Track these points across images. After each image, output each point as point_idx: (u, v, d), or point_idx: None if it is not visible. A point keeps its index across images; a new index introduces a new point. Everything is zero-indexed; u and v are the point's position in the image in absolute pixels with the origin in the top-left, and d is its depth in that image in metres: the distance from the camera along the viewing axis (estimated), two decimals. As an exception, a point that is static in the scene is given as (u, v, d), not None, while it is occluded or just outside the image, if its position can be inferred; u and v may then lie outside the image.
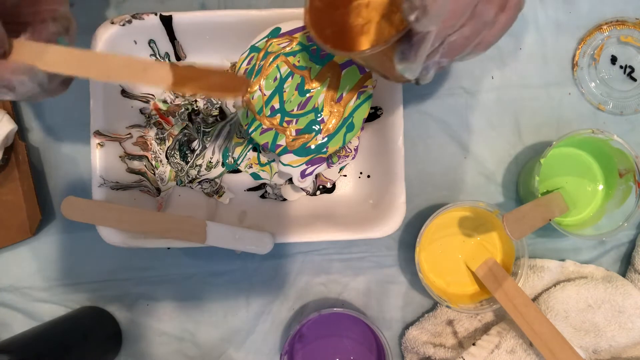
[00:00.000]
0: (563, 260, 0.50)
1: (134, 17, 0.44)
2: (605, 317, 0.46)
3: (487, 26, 0.32)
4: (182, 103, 0.49)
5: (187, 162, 0.50)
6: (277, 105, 0.43)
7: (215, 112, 0.50)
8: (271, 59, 0.43)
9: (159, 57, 0.48)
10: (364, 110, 0.44)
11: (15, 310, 0.51)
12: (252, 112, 0.44)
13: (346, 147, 0.50)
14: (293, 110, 0.43)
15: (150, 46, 0.47)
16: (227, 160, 0.50)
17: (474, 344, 0.46)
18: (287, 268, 0.51)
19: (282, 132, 0.43)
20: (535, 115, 0.52)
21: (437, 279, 0.49)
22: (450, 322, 0.49)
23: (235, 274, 0.51)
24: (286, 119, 0.43)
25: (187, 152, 0.50)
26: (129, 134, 0.48)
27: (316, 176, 0.50)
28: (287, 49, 0.43)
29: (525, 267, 0.46)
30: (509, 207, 0.52)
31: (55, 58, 0.31)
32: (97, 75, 0.32)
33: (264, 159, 0.49)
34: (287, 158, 0.44)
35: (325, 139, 0.43)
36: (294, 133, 0.43)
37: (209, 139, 0.50)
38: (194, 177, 0.50)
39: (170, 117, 0.50)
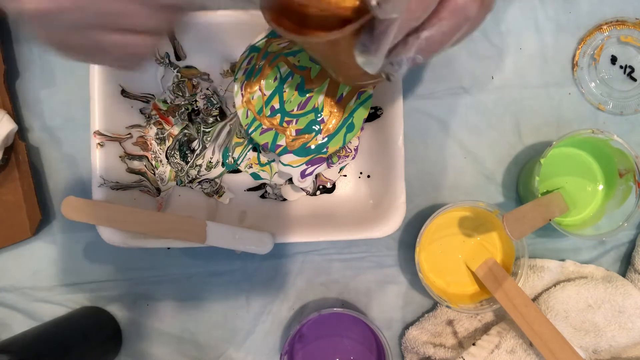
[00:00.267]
0: (563, 260, 0.50)
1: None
2: (605, 317, 0.46)
3: (468, 22, 0.29)
4: (182, 103, 0.49)
5: (187, 162, 0.50)
6: (277, 105, 0.43)
7: (215, 112, 0.50)
8: (271, 59, 0.43)
9: (158, 57, 0.48)
10: (364, 110, 0.44)
11: (15, 310, 0.51)
12: (252, 112, 0.44)
13: (346, 147, 0.50)
14: (293, 110, 0.43)
15: (150, 46, 0.47)
16: (227, 160, 0.50)
17: (474, 344, 0.46)
18: (287, 268, 0.51)
19: (282, 132, 0.43)
20: (535, 115, 0.52)
21: (437, 279, 0.49)
22: (450, 322, 0.49)
23: (235, 274, 0.51)
24: (286, 119, 0.43)
25: (187, 152, 0.50)
26: (129, 134, 0.48)
27: (316, 176, 0.50)
28: (287, 49, 0.43)
29: (525, 267, 0.46)
30: (509, 207, 0.52)
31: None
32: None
33: (264, 159, 0.49)
34: (287, 158, 0.44)
35: (326, 139, 0.43)
36: (294, 133, 0.43)
37: (209, 139, 0.50)
38: (194, 177, 0.50)
39: (170, 117, 0.50)
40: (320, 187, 0.50)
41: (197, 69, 0.49)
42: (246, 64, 0.44)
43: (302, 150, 0.43)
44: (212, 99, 0.49)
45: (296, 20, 0.31)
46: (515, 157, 0.52)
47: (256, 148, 0.49)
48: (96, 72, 0.44)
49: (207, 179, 0.50)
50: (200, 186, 0.50)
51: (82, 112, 0.50)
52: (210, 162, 0.50)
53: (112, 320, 0.51)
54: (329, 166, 0.49)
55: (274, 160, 0.49)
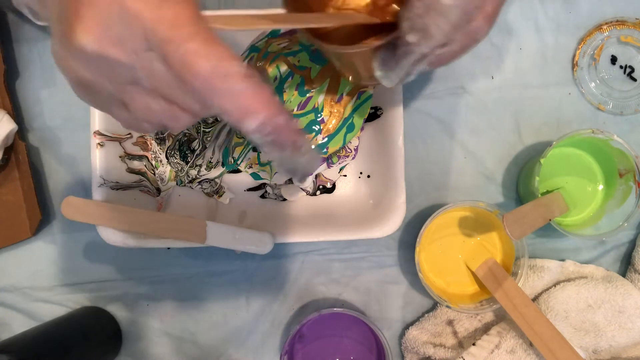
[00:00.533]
0: (563, 260, 0.50)
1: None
2: (605, 317, 0.46)
3: (477, 43, 0.31)
4: (182, 103, 0.49)
5: (187, 162, 0.50)
6: (277, 105, 0.43)
7: (215, 112, 0.49)
8: (271, 59, 0.43)
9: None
10: (364, 111, 0.44)
11: (15, 310, 0.51)
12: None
13: (346, 147, 0.50)
14: (293, 110, 0.43)
15: (150, 46, 0.47)
16: (227, 160, 0.50)
17: (474, 344, 0.46)
18: (287, 268, 0.51)
19: (282, 132, 0.43)
20: (535, 115, 0.52)
21: (437, 279, 0.49)
22: (450, 322, 0.49)
23: (235, 274, 0.51)
24: (286, 119, 0.43)
25: (187, 152, 0.50)
26: (129, 134, 0.48)
27: (316, 176, 0.50)
28: (287, 49, 0.43)
29: (525, 267, 0.46)
30: (509, 207, 0.52)
31: None
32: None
33: (264, 159, 0.49)
34: (287, 158, 0.44)
35: (326, 139, 0.43)
36: (294, 133, 0.43)
37: (209, 139, 0.50)
38: (194, 177, 0.50)
39: (170, 117, 0.50)
40: (320, 187, 0.50)
41: (197, 69, 0.49)
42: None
43: (302, 150, 0.43)
44: (212, 99, 0.49)
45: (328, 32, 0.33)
46: (515, 157, 0.52)
47: (256, 148, 0.49)
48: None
49: (207, 179, 0.50)
50: (200, 186, 0.50)
51: (82, 112, 0.50)
52: (210, 162, 0.50)
53: (112, 320, 0.51)
54: (329, 166, 0.49)
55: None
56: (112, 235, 0.44)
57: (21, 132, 0.50)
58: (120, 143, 0.47)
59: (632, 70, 0.51)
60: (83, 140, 0.49)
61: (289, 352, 0.48)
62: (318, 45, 0.32)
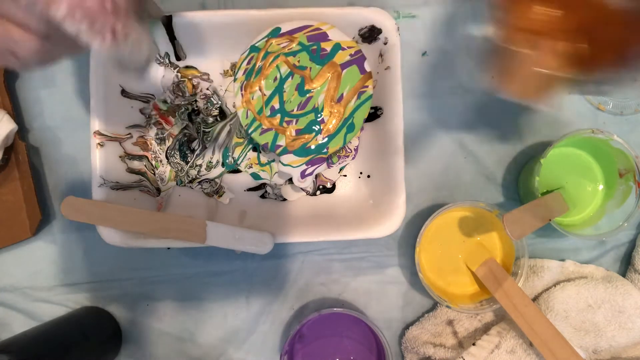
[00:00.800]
0: (563, 260, 0.50)
1: (134, 17, 0.44)
2: (605, 317, 0.46)
3: None
4: (182, 103, 0.49)
5: (187, 162, 0.50)
6: (277, 106, 0.43)
7: (215, 112, 0.50)
8: (271, 59, 0.43)
9: (159, 57, 0.48)
10: (364, 111, 0.44)
11: (15, 310, 0.51)
12: (252, 112, 0.44)
13: (346, 147, 0.50)
14: (293, 110, 0.43)
15: (150, 46, 0.47)
16: (227, 160, 0.50)
17: (474, 344, 0.46)
18: (287, 268, 0.51)
19: (282, 132, 0.43)
20: (535, 115, 0.51)
21: (437, 279, 0.49)
22: (450, 322, 0.49)
23: (235, 274, 0.51)
24: (286, 119, 0.43)
25: (187, 152, 0.50)
26: (129, 134, 0.48)
27: (316, 176, 0.50)
28: (287, 49, 0.43)
29: (525, 267, 0.46)
30: (509, 207, 0.52)
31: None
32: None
33: (264, 159, 0.49)
34: (287, 158, 0.44)
35: (326, 139, 0.43)
36: (293, 133, 0.43)
37: (209, 139, 0.50)
38: (194, 177, 0.50)
39: (170, 117, 0.50)
40: (320, 187, 0.50)
41: (197, 69, 0.49)
42: (246, 64, 0.44)
43: (302, 151, 0.43)
44: (212, 99, 0.49)
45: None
46: (515, 157, 0.52)
47: (256, 148, 0.49)
48: (96, 72, 0.44)
49: (207, 179, 0.50)
50: (200, 186, 0.50)
51: (82, 112, 0.50)
52: (210, 162, 0.50)
53: (112, 320, 0.51)
54: (329, 166, 0.49)
55: (274, 160, 0.49)
56: (112, 235, 0.44)
57: (21, 132, 0.50)
58: (120, 143, 0.47)
59: (632, 70, 0.51)
60: (83, 140, 0.49)
61: (289, 352, 0.48)
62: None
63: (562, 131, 0.51)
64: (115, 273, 0.51)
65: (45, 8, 0.23)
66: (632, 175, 0.46)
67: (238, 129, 0.49)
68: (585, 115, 0.52)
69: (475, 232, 0.49)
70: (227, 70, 0.49)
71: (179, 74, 0.49)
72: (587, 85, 0.30)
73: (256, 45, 0.44)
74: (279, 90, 0.43)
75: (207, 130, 0.50)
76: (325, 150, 0.43)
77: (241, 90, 0.44)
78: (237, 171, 0.50)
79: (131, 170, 0.48)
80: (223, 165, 0.50)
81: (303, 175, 0.44)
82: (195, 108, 0.50)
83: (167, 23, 0.45)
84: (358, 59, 0.44)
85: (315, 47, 0.43)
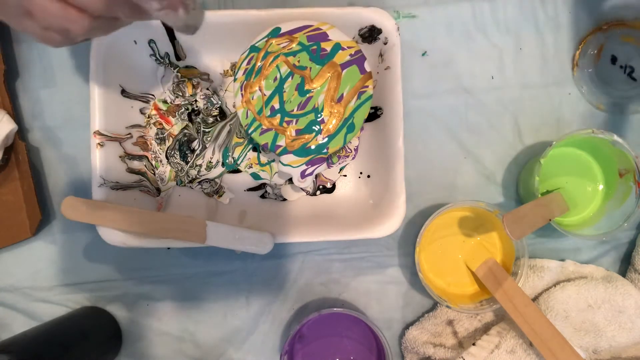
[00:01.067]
0: (563, 260, 0.50)
1: (134, 17, 0.44)
2: (605, 317, 0.46)
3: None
4: (182, 103, 0.49)
5: (187, 162, 0.50)
6: (277, 106, 0.43)
7: (215, 112, 0.50)
8: (271, 59, 0.43)
9: (158, 57, 0.48)
10: (364, 111, 0.44)
11: (15, 310, 0.51)
12: (252, 112, 0.44)
13: (346, 147, 0.50)
14: (293, 110, 0.43)
15: (150, 46, 0.47)
16: (227, 160, 0.50)
17: (474, 344, 0.46)
18: (287, 268, 0.51)
19: (282, 132, 0.43)
20: (535, 115, 0.52)
21: (437, 279, 0.49)
22: (450, 322, 0.49)
23: (235, 274, 0.51)
24: (286, 119, 0.43)
25: (187, 152, 0.50)
26: (129, 134, 0.48)
27: (316, 176, 0.50)
28: (287, 49, 0.43)
29: (525, 267, 0.46)
30: (509, 207, 0.52)
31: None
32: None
33: (264, 159, 0.49)
34: (287, 158, 0.44)
35: (326, 139, 0.43)
36: (293, 133, 0.43)
37: (209, 139, 0.50)
38: (194, 177, 0.50)
39: (170, 117, 0.50)
40: (320, 187, 0.50)
41: (197, 69, 0.49)
42: (246, 64, 0.44)
43: (302, 151, 0.43)
44: (212, 99, 0.49)
45: None
46: (515, 157, 0.52)
47: (256, 148, 0.49)
48: (96, 72, 0.44)
49: (207, 179, 0.50)
50: (200, 186, 0.50)
51: (82, 112, 0.50)
52: (210, 162, 0.50)
53: (112, 320, 0.51)
54: (329, 166, 0.49)
55: (274, 160, 0.49)
56: (112, 235, 0.44)
57: (21, 132, 0.50)
58: (120, 143, 0.47)
59: (632, 70, 0.51)
60: (83, 140, 0.49)
61: (289, 352, 0.48)
62: None
63: (562, 131, 0.51)
64: (115, 273, 0.51)
65: (143, 3, 0.26)
66: (632, 176, 0.46)
67: (238, 129, 0.49)
68: (585, 115, 0.52)
69: (475, 232, 0.49)
70: (227, 70, 0.49)
71: (179, 74, 0.49)
72: None
73: (256, 45, 0.44)
74: (279, 90, 0.43)
75: (207, 130, 0.50)
76: (325, 150, 0.43)
77: (241, 90, 0.44)
78: (237, 171, 0.50)
79: (131, 170, 0.48)
80: (223, 165, 0.50)
81: (303, 175, 0.44)
82: (195, 108, 0.50)
83: (167, 23, 0.45)
84: (358, 59, 0.44)
85: (315, 47, 0.43)
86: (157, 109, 0.49)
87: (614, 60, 0.51)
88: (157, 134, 0.49)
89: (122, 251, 0.48)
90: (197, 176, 0.50)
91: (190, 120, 0.49)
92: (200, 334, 0.51)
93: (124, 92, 0.47)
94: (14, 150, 0.50)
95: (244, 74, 0.44)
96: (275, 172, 0.49)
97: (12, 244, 0.50)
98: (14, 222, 0.50)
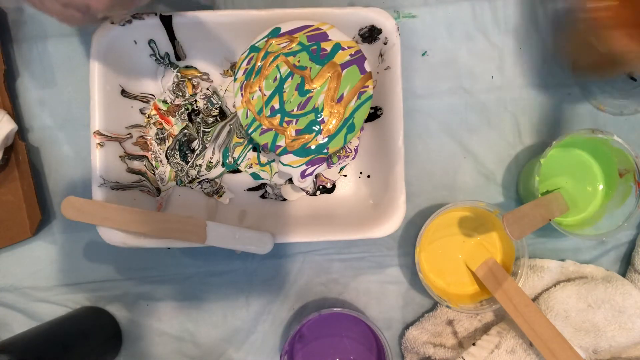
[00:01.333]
0: (563, 260, 0.50)
1: (134, 16, 0.44)
2: (605, 317, 0.46)
3: None
4: (182, 103, 0.50)
5: (187, 162, 0.50)
6: (277, 106, 0.43)
7: (215, 112, 0.50)
8: (271, 59, 0.43)
9: (159, 57, 0.48)
10: (365, 111, 0.44)
11: (15, 310, 0.51)
12: (252, 112, 0.44)
13: (346, 147, 0.50)
14: (293, 110, 0.43)
15: (150, 46, 0.47)
16: (227, 160, 0.50)
17: (474, 344, 0.46)
18: (287, 268, 0.51)
19: (282, 132, 0.43)
20: (535, 115, 0.52)
21: (437, 279, 0.49)
22: (450, 322, 0.49)
23: (235, 274, 0.51)
24: (286, 119, 0.43)
25: (187, 152, 0.50)
26: (129, 134, 0.48)
27: (316, 176, 0.50)
28: (287, 49, 0.43)
29: (525, 267, 0.47)
30: (509, 207, 0.52)
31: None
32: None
33: (264, 159, 0.49)
34: (287, 158, 0.44)
35: (326, 139, 0.43)
36: (293, 133, 0.43)
37: (209, 139, 0.50)
38: (194, 177, 0.50)
39: (170, 117, 0.50)
40: (320, 187, 0.50)
41: (197, 69, 0.49)
42: (246, 64, 0.44)
43: (302, 151, 0.43)
44: (212, 99, 0.49)
45: None
46: (515, 157, 0.52)
47: (256, 148, 0.49)
48: (96, 72, 0.44)
49: (207, 179, 0.50)
50: (200, 186, 0.50)
51: (82, 112, 0.50)
52: (210, 162, 0.50)
53: (112, 320, 0.51)
54: (329, 166, 0.49)
55: (274, 160, 0.49)
56: (112, 235, 0.44)
57: (21, 132, 0.50)
58: (120, 143, 0.47)
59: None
60: (83, 140, 0.50)
61: (289, 352, 0.48)
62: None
63: (562, 131, 0.51)
64: (115, 273, 0.51)
65: None
66: (632, 175, 0.46)
67: (238, 129, 0.49)
68: (585, 115, 0.52)
69: (475, 232, 0.49)
70: (227, 70, 0.49)
71: (179, 74, 0.49)
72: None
73: (256, 45, 0.44)
74: (279, 90, 0.43)
75: (207, 130, 0.50)
76: (325, 150, 0.43)
77: (241, 90, 0.44)
78: (237, 171, 0.50)
79: (131, 170, 0.48)
80: (223, 165, 0.50)
81: (303, 175, 0.44)
82: (195, 108, 0.50)
83: (167, 23, 0.45)
84: (358, 59, 0.44)
85: (315, 47, 0.43)
86: (157, 109, 0.49)
87: (614, 60, 0.51)
88: (157, 134, 0.49)
89: (122, 251, 0.48)
90: (197, 176, 0.50)
91: (190, 120, 0.49)
92: (200, 334, 0.51)
93: (124, 92, 0.47)
94: (14, 150, 0.50)
95: (244, 74, 0.44)
96: (275, 172, 0.49)
97: (12, 244, 0.50)
98: (14, 222, 0.50)
